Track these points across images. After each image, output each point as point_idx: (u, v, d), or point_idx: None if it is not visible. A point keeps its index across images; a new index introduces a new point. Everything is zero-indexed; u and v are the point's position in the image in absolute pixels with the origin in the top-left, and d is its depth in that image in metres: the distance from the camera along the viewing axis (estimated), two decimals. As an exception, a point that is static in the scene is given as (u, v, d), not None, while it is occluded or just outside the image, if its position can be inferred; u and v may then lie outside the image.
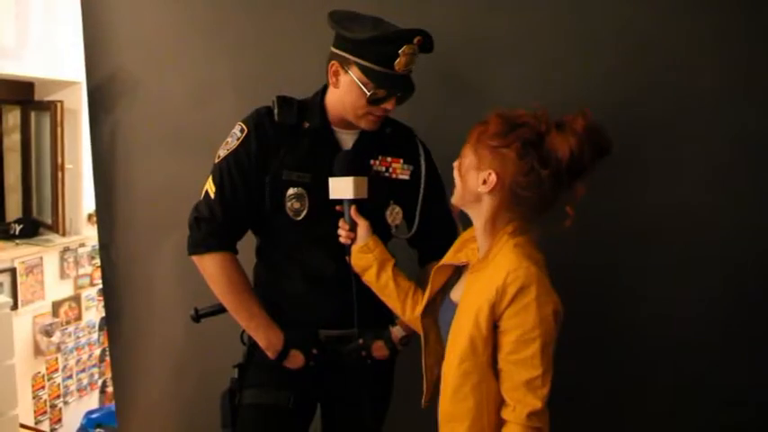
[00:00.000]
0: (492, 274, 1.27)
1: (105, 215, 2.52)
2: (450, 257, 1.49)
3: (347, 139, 1.65)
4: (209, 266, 1.63)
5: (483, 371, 1.27)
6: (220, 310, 1.75)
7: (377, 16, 1.57)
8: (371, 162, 1.66)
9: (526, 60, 1.95)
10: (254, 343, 1.67)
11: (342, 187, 1.57)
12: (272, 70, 2.14)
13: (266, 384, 1.69)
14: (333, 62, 1.56)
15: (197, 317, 1.79)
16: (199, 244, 1.63)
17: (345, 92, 1.56)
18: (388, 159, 1.68)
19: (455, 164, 1.39)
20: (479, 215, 1.35)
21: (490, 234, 1.34)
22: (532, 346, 1.22)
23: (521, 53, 1.96)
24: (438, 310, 1.50)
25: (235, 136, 1.62)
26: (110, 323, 2.64)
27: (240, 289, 1.64)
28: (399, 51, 1.48)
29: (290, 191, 1.59)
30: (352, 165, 1.59)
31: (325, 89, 1.65)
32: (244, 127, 1.61)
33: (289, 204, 1.59)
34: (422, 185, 1.68)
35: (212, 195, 1.60)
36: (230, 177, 1.59)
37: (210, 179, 1.62)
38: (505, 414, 1.25)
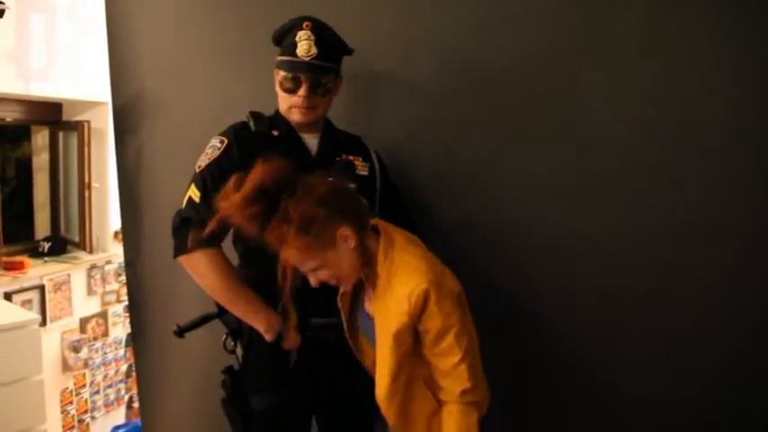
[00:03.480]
0: (395, 299, 1.40)
1: (131, 232, 2.57)
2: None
3: (311, 142, 1.79)
4: (199, 264, 1.69)
5: (406, 362, 1.43)
6: (202, 321, 1.82)
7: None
8: (339, 159, 1.81)
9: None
10: (248, 345, 1.74)
11: None
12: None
13: (272, 387, 1.75)
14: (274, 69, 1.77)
15: (180, 332, 1.82)
16: (185, 243, 1.68)
17: (278, 93, 1.76)
18: (350, 157, 1.82)
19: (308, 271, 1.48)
20: (356, 263, 1.47)
21: (371, 264, 1.47)
22: (447, 338, 1.38)
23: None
24: (357, 323, 1.65)
25: (215, 147, 1.73)
26: (135, 339, 2.68)
27: (232, 280, 1.71)
28: (296, 38, 1.68)
29: None
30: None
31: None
32: (223, 138, 1.73)
33: None
34: (378, 180, 1.85)
35: (197, 199, 1.68)
36: (214, 182, 1.66)
37: (193, 186, 1.70)
38: (443, 396, 1.43)
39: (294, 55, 1.69)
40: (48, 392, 3.19)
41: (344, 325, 1.66)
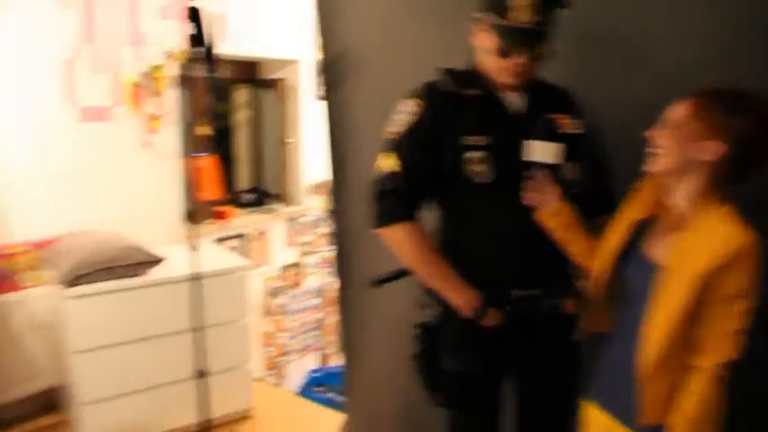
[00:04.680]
0: (707, 240, 1.31)
1: (339, 188, 2.62)
2: (638, 211, 1.48)
3: (514, 101, 1.65)
4: (398, 237, 1.66)
5: (689, 324, 1.33)
6: (400, 275, 1.82)
7: None
8: (550, 119, 1.65)
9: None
10: (446, 305, 1.68)
11: (544, 151, 1.59)
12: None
13: (465, 350, 1.71)
14: (472, 25, 1.61)
15: (378, 283, 1.85)
16: (385, 216, 1.66)
17: (480, 50, 1.61)
18: (560, 116, 1.67)
19: (658, 132, 1.38)
20: (688, 184, 1.37)
21: (698, 201, 1.37)
22: (741, 303, 1.30)
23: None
24: (619, 265, 1.50)
25: (408, 111, 1.64)
26: (342, 289, 2.74)
27: (430, 254, 1.67)
28: (509, 3, 1.50)
29: (469, 154, 1.59)
30: (552, 130, 1.62)
31: (474, 55, 1.67)
32: (417, 101, 1.64)
33: (470, 168, 1.59)
34: (590, 138, 1.71)
35: (395, 169, 1.62)
36: (410, 150, 1.62)
37: (391, 154, 1.64)
38: (698, 362, 1.33)
39: (509, 19, 1.52)
40: (251, 335, 3.40)
41: (612, 260, 1.51)
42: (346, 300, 2.71)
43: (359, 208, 2.52)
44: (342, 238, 2.66)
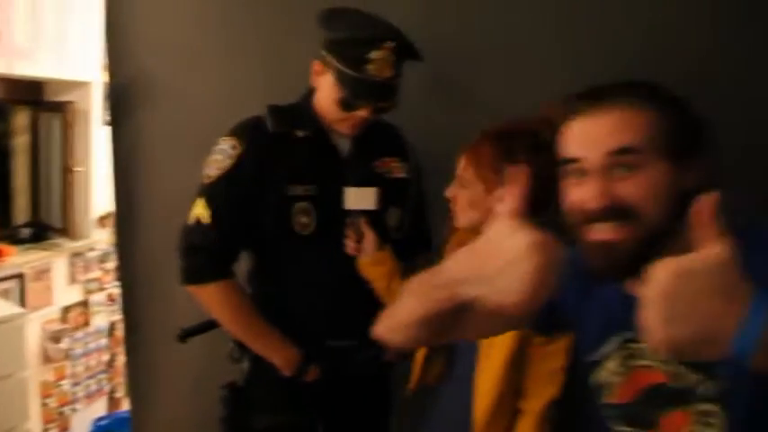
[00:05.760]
0: None
1: (125, 222, 2.44)
2: None
3: (343, 143, 1.58)
4: (211, 296, 1.55)
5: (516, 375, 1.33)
6: (209, 326, 1.71)
7: (375, 15, 1.47)
8: (374, 164, 1.61)
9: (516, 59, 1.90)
10: (257, 358, 1.61)
11: (362, 198, 1.54)
12: (302, 75, 2.05)
13: (280, 406, 1.64)
14: (317, 61, 1.50)
15: (184, 336, 1.72)
16: (195, 274, 1.54)
17: (324, 94, 1.51)
18: (386, 159, 1.63)
19: (452, 194, 1.37)
20: None
21: None
22: (559, 342, 1.28)
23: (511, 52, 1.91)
24: None
25: (225, 153, 1.51)
26: (128, 334, 2.55)
27: (246, 314, 1.57)
28: (368, 56, 1.40)
29: (297, 206, 1.51)
30: (369, 175, 1.57)
31: (311, 92, 1.57)
32: (235, 144, 1.51)
33: (296, 220, 1.51)
34: (415, 182, 1.67)
35: (206, 221, 1.49)
36: (225, 200, 1.50)
37: (202, 202, 1.50)
38: (526, 405, 1.32)
39: (364, 72, 1.41)
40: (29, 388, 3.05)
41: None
42: (134, 344, 2.53)
43: (150, 244, 2.39)
44: (129, 278, 2.48)
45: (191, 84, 2.23)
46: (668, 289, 0.62)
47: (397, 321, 0.91)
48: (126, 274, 2.49)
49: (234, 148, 1.51)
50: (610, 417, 1.00)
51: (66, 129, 3.94)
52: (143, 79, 2.29)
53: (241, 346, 1.65)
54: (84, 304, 4.14)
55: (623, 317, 0.90)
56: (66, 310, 4.00)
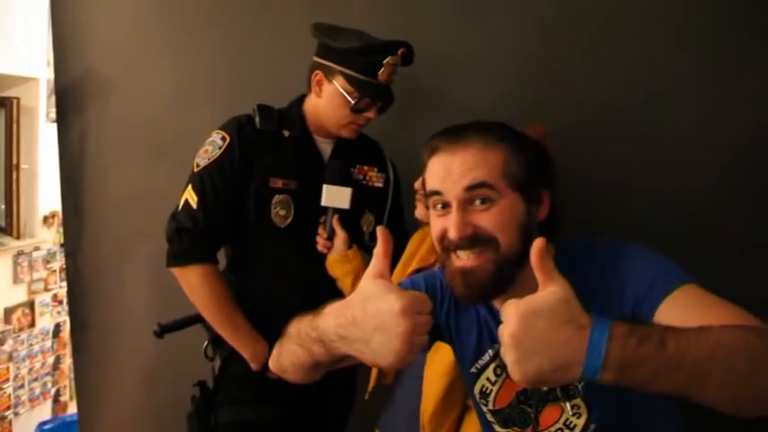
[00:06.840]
0: None
1: (73, 221, 2.41)
2: (417, 260, 1.52)
3: (325, 148, 1.70)
4: (192, 278, 1.61)
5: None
6: (185, 323, 1.73)
7: (358, 29, 1.61)
8: (353, 170, 1.71)
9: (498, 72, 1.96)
10: (228, 357, 1.67)
11: (337, 196, 1.63)
12: (251, 75, 2.08)
13: (246, 400, 1.68)
14: (317, 71, 1.61)
15: (161, 332, 1.72)
16: (181, 255, 1.60)
17: (328, 101, 1.61)
18: (365, 168, 1.74)
19: (418, 183, 1.42)
20: None
21: None
22: None
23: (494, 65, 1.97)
24: None
25: (215, 144, 1.61)
26: (74, 334, 2.51)
27: (224, 301, 1.63)
28: (384, 62, 1.54)
29: (276, 198, 1.61)
30: (345, 175, 1.66)
31: (302, 98, 1.69)
32: (225, 135, 1.62)
33: (274, 212, 1.61)
34: (390, 194, 1.77)
35: (194, 205, 1.58)
36: (213, 186, 1.59)
37: (191, 188, 1.60)
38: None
39: (374, 77, 1.55)
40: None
41: None
42: (82, 346, 2.50)
43: (98, 243, 2.37)
44: (76, 278, 2.45)
45: (139, 82, 2.21)
46: (517, 331, 0.71)
47: (288, 364, 1.02)
48: (73, 273, 2.46)
49: (223, 140, 1.61)
50: (492, 422, 1.10)
51: (11, 125, 3.86)
52: (90, 77, 2.26)
53: (215, 344, 1.71)
54: (29, 305, 4.06)
55: (495, 329, 1.00)
56: (10, 310, 3.93)
